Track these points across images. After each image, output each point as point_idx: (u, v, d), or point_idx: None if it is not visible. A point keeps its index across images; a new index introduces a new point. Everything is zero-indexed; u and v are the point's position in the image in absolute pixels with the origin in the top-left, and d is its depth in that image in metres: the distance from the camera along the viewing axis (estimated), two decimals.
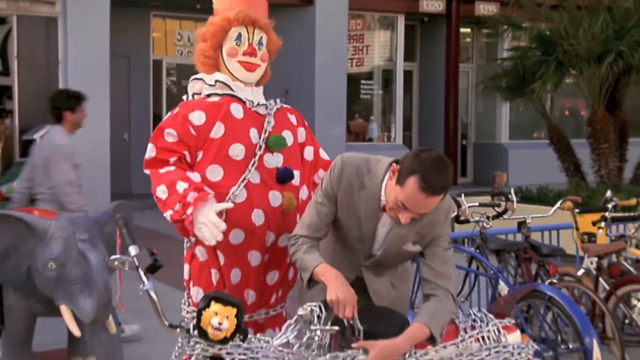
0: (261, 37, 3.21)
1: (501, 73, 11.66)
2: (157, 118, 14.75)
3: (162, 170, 3.02)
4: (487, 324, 2.88)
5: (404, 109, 16.14)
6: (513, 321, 2.99)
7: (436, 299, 2.76)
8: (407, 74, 16.47)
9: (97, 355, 4.19)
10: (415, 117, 17.16)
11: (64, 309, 3.86)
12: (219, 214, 2.88)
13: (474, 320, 2.89)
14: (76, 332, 3.90)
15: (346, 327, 2.65)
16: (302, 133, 3.32)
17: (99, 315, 3.75)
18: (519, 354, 2.84)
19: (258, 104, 3.21)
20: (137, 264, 2.44)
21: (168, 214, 2.93)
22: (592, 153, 10.59)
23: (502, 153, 16.51)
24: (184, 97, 3.29)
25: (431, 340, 2.70)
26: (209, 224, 2.83)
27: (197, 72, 3.30)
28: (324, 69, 13.92)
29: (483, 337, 2.84)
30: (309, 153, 3.33)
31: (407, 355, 2.69)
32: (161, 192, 2.95)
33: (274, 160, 3.15)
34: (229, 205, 2.95)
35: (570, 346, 4.21)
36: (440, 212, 2.81)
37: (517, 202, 8.01)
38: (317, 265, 2.72)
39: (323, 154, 3.40)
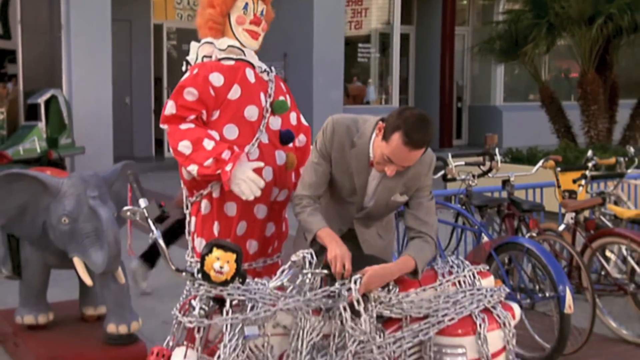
0: (263, 9, 3.47)
1: (495, 36, 11.83)
2: (158, 82, 14.92)
3: (182, 127, 3.23)
4: (464, 270, 3.15)
5: (400, 72, 16.30)
6: (487, 267, 3.28)
7: (421, 239, 3.07)
8: (404, 37, 16.59)
9: (107, 305, 4.44)
10: (412, 80, 17.31)
11: (77, 261, 4.13)
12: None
13: (451, 267, 3.17)
14: (88, 281, 4.18)
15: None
16: (288, 100, 3.60)
17: (110, 266, 4.02)
18: (491, 296, 3.10)
19: (264, 70, 3.48)
20: (146, 214, 2.70)
21: (192, 168, 3.16)
22: (582, 115, 10.82)
23: (497, 115, 16.70)
24: (189, 59, 3.52)
25: (414, 273, 3.00)
26: (247, 181, 3.09)
27: (197, 36, 3.53)
28: (322, 32, 14.00)
29: (459, 281, 3.11)
30: (293, 118, 3.61)
31: (391, 298, 2.98)
32: (184, 147, 3.17)
33: (276, 123, 3.44)
34: (261, 164, 3.21)
35: (547, 294, 4.53)
36: (424, 164, 3.10)
37: (507, 162, 8.31)
38: (319, 229, 3.02)
39: (303, 120, 3.69)
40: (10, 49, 12.76)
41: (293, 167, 3.46)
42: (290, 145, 3.50)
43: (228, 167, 3.10)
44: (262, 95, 3.40)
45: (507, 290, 3.23)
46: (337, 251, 2.90)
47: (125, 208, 2.70)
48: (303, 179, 3.17)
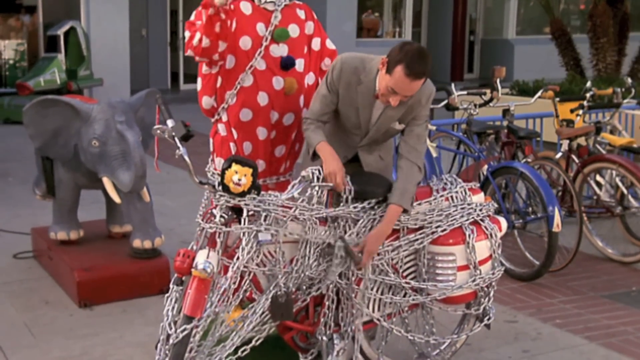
0: None
1: None
2: (174, 14, 15.08)
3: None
4: (456, 186, 3.46)
5: (414, 5, 16.33)
6: (477, 185, 3.61)
7: (403, 174, 3.32)
8: None
9: (132, 222, 4.79)
10: (425, 13, 17.33)
11: (106, 181, 4.51)
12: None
13: (445, 184, 3.49)
14: (117, 199, 4.56)
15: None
16: (310, 26, 3.83)
17: (136, 185, 4.39)
18: (480, 210, 3.42)
19: (266, 1, 3.75)
20: (173, 133, 3.03)
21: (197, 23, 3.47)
22: (591, 47, 10.88)
23: (509, 49, 16.72)
24: None
25: (405, 212, 3.30)
26: None
27: None
28: None
29: (452, 197, 3.42)
30: (316, 44, 3.86)
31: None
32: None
33: (280, 50, 3.72)
34: None
35: (538, 215, 4.88)
36: (422, 95, 3.39)
37: (514, 94, 8.53)
38: (318, 143, 3.35)
39: (329, 44, 3.94)
40: None
41: (292, 92, 3.74)
42: (299, 69, 3.77)
43: None
44: (259, 25, 3.67)
45: (495, 205, 3.56)
46: (331, 167, 3.24)
47: (155, 127, 3.01)
48: (312, 106, 3.50)
